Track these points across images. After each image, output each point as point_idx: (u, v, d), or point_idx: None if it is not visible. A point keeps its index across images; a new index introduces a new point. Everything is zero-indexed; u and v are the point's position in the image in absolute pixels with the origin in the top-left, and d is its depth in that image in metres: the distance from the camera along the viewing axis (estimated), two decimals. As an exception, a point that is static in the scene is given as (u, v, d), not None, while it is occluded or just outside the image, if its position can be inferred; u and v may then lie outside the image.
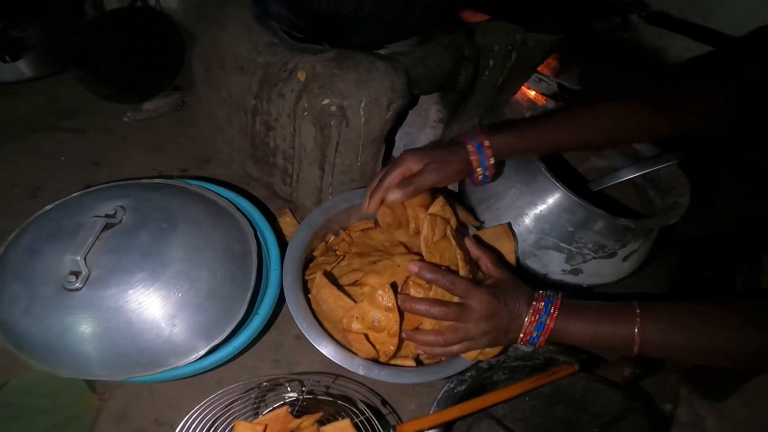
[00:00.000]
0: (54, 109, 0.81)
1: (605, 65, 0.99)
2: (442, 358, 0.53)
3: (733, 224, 0.72)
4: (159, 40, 0.84)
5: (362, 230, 0.58)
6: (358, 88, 0.58)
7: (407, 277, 0.49)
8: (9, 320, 0.49)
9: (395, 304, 0.45)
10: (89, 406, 0.58)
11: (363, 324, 0.46)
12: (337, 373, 0.52)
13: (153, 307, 0.48)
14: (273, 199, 0.71)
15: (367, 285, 0.48)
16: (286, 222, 0.68)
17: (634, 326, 0.44)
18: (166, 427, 0.58)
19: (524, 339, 0.48)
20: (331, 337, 0.49)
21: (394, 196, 0.52)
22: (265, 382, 0.50)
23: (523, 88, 0.93)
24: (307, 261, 0.55)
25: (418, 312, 0.46)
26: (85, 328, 0.47)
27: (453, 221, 0.54)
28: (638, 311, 0.45)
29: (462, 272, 0.48)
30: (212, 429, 0.47)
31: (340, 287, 0.49)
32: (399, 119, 0.65)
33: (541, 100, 0.94)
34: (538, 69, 0.90)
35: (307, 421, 0.48)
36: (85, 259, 0.47)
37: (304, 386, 0.50)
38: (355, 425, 0.48)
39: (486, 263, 0.52)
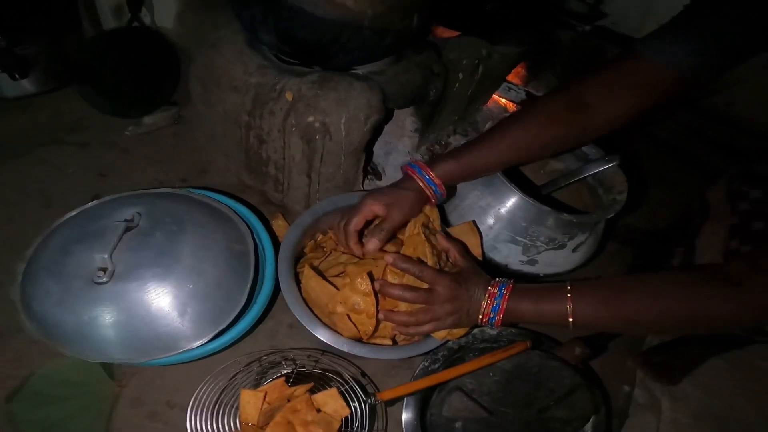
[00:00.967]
0: (59, 123, 0.93)
1: (572, 72, 1.13)
2: (416, 338, 0.65)
3: (675, 216, 0.86)
4: (156, 58, 0.96)
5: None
6: (338, 106, 0.71)
7: (385, 268, 0.62)
8: (43, 311, 0.61)
9: (372, 289, 0.58)
10: (109, 393, 0.69)
11: (345, 307, 0.59)
12: (324, 350, 0.65)
13: (168, 297, 0.60)
14: (266, 204, 0.84)
15: (348, 275, 0.61)
16: (279, 224, 0.81)
17: (566, 302, 0.56)
18: (177, 408, 0.70)
19: (484, 319, 0.60)
20: (320, 320, 0.62)
21: (373, 245, 0.62)
22: (265, 355, 0.63)
23: (494, 97, 1.07)
24: (298, 257, 0.68)
25: (393, 296, 0.59)
26: (110, 316, 0.59)
27: (435, 216, 0.67)
28: (569, 288, 0.57)
29: (430, 263, 0.62)
30: (221, 397, 0.59)
31: (325, 278, 0.61)
32: (376, 131, 0.78)
33: (512, 107, 1.07)
34: (507, 78, 1.04)
35: (300, 389, 0.61)
36: (111, 256, 0.59)
37: (296, 362, 0.63)
38: (341, 393, 0.62)
39: (453, 254, 0.64)
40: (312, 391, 0.62)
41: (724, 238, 0.66)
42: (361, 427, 0.62)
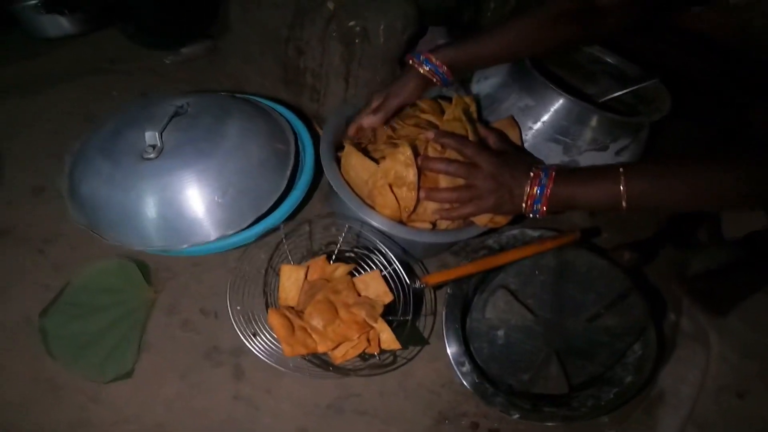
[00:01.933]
0: (101, 56, 1.01)
1: None
2: (457, 223, 0.68)
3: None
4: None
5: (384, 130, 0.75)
6: (378, 14, 0.77)
7: (425, 146, 0.65)
8: (91, 192, 0.65)
9: (413, 160, 0.61)
10: (145, 299, 0.72)
11: (386, 178, 0.61)
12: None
13: (211, 174, 0.63)
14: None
15: (388, 155, 0.64)
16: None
17: (619, 179, 0.56)
18: (210, 316, 0.73)
19: (528, 202, 0.60)
20: (360, 198, 0.65)
21: (369, 120, 0.68)
22: (307, 226, 0.66)
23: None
24: (338, 145, 0.72)
25: (435, 168, 0.62)
26: (154, 194, 0.63)
27: (473, 108, 0.71)
28: (621, 170, 0.57)
29: (471, 138, 0.65)
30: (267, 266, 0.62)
31: (368, 155, 0.65)
32: (410, 44, 0.83)
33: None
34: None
35: (342, 269, 0.64)
36: (161, 134, 0.64)
37: (338, 240, 0.65)
38: (383, 277, 0.64)
39: (493, 140, 0.67)
40: (354, 274, 0.65)
41: None
42: (405, 313, 0.64)
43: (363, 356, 0.63)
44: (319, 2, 0.79)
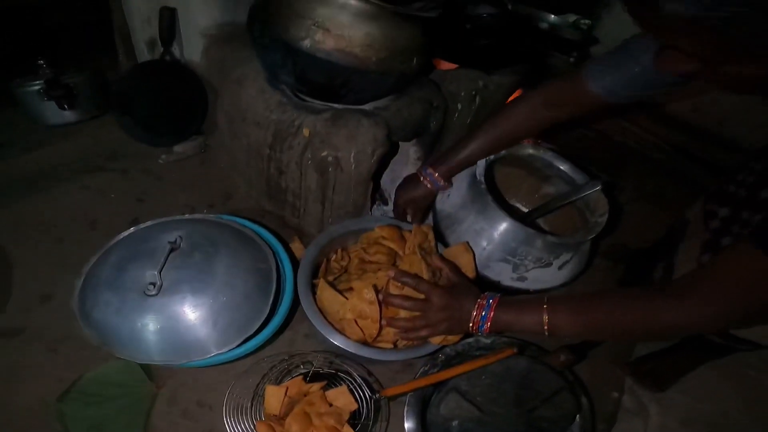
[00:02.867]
0: (99, 151, 1.13)
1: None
2: (415, 343, 0.83)
3: (660, 235, 1.03)
4: (186, 90, 1.16)
5: (356, 254, 0.90)
6: (348, 141, 0.90)
7: (387, 281, 0.80)
8: (102, 320, 0.80)
9: (375, 298, 0.76)
10: (148, 393, 0.88)
11: (353, 313, 0.77)
12: (337, 353, 0.83)
13: (204, 308, 0.78)
14: (284, 228, 1.03)
15: (355, 288, 0.79)
16: (296, 246, 1.00)
17: (543, 313, 0.70)
18: (206, 407, 0.88)
19: (474, 327, 0.75)
20: (332, 326, 0.80)
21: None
22: (287, 357, 0.82)
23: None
24: (315, 273, 0.87)
25: (394, 304, 0.76)
26: (157, 323, 0.77)
27: (431, 237, 0.85)
28: (546, 301, 0.71)
29: (425, 277, 0.80)
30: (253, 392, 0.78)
31: (337, 290, 0.80)
32: (383, 163, 0.97)
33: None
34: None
35: (315, 386, 0.79)
36: (160, 273, 0.78)
37: (313, 363, 0.81)
38: (350, 390, 0.79)
39: (446, 272, 0.81)
40: (326, 388, 0.80)
41: (699, 254, 0.80)
42: (367, 418, 0.80)
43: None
44: (296, 128, 0.93)
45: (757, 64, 0.47)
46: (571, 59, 1.21)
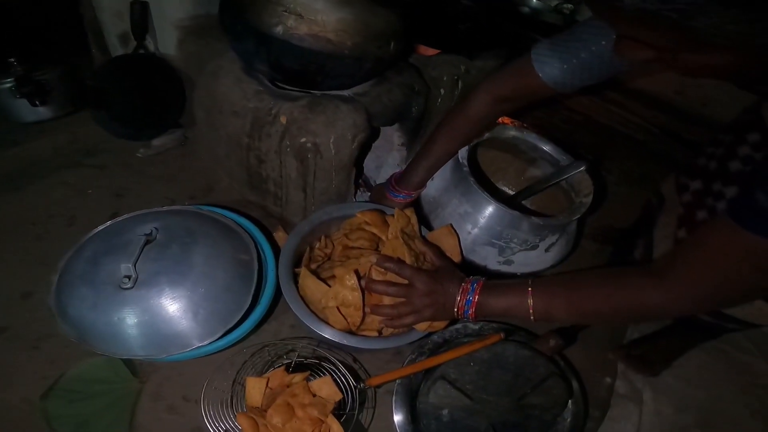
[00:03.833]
0: (76, 147, 1.12)
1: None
2: (400, 330, 0.81)
3: (639, 214, 1.02)
4: (162, 83, 1.14)
5: (339, 241, 0.88)
6: (327, 127, 0.88)
7: (370, 267, 0.78)
8: (78, 315, 0.78)
9: (358, 285, 0.74)
10: (132, 389, 0.86)
11: (336, 301, 0.75)
12: (321, 341, 0.81)
13: (183, 300, 0.76)
14: (267, 217, 1.02)
15: (337, 275, 0.77)
16: (279, 236, 0.98)
17: (527, 297, 0.69)
18: (192, 401, 0.87)
19: (459, 312, 0.74)
20: (315, 315, 0.78)
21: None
22: (269, 345, 0.80)
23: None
24: (297, 261, 0.85)
25: (377, 290, 0.75)
26: (134, 317, 0.76)
27: (414, 221, 0.84)
28: (530, 284, 0.70)
29: (408, 262, 0.78)
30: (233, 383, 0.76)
31: (320, 278, 0.78)
32: (364, 148, 0.95)
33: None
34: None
35: (298, 377, 0.78)
36: (134, 266, 0.76)
37: (296, 352, 0.79)
38: (335, 380, 0.78)
39: (430, 256, 0.81)
40: (309, 379, 0.79)
41: (675, 228, 0.79)
42: (352, 408, 0.78)
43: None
44: (274, 115, 0.91)
45: (715, 53, 0.48)
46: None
